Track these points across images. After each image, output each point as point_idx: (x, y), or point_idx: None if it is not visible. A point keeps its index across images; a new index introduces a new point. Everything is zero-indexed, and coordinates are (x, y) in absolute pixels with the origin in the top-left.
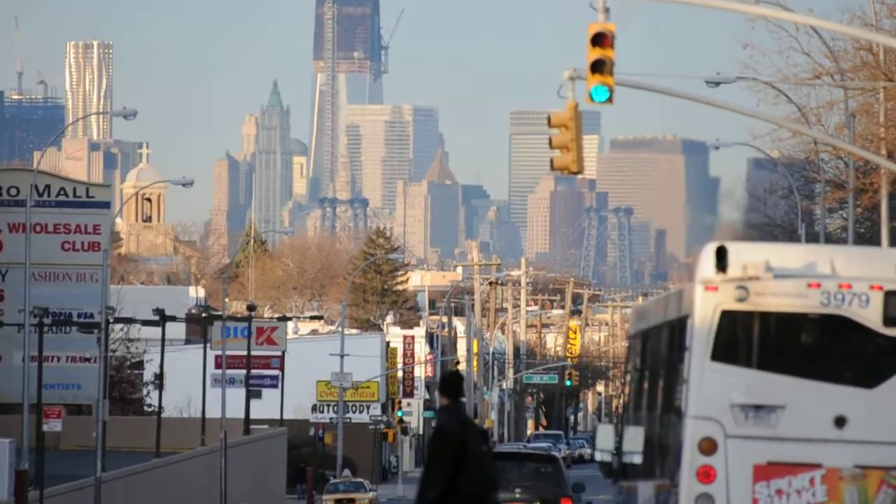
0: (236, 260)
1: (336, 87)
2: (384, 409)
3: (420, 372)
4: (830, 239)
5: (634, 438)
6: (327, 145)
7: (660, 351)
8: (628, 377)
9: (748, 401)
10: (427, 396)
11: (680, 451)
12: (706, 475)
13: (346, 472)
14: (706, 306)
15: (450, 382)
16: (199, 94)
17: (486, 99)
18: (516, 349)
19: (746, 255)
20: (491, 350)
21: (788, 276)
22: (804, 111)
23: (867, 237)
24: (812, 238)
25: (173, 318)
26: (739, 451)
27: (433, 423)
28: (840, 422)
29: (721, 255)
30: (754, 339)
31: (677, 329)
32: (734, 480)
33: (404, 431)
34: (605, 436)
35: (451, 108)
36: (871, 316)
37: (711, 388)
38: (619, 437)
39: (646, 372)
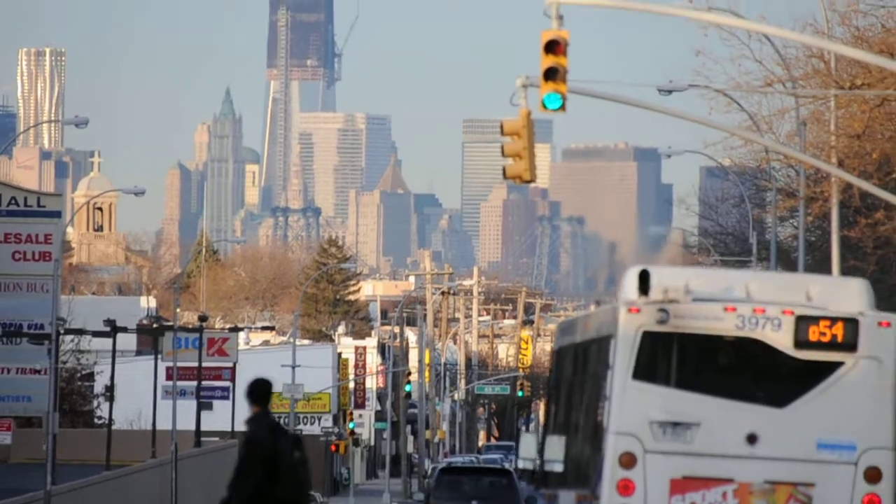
0: (188, 270)
1: (289, 94)
2: (336, 420)
3: (372, 383)
4: (781, 247)
5: (556, 448)
6: (280, 154)
7: (584, 367)
8: (552, 389)
9: (666, 418)
10: (379, 408)
11: (601, 464)
12: (625, 488)
13: None
14: (629, 327)
15: (259, 390)
16: (152, 103)
17: (438, 107)
18: (468, 359)
19: (668, 279)
20: (443, 360)
21: (706, 300)
22: (756, 119)
23: (818, 245)
24: (763, 246)
25: (124, 329)
26: (657, 466)
27: (246, 432)
28: (752, 439)
29: (644, 278)
30: (673, 360)
31: (601, 347)
32: (652, 493)
33: (356, 443)
34: (528, 445)
35: (404, 116)
36: (782, 339)
37: (632, 406)
38: (542, 446)
39: (570, 386)
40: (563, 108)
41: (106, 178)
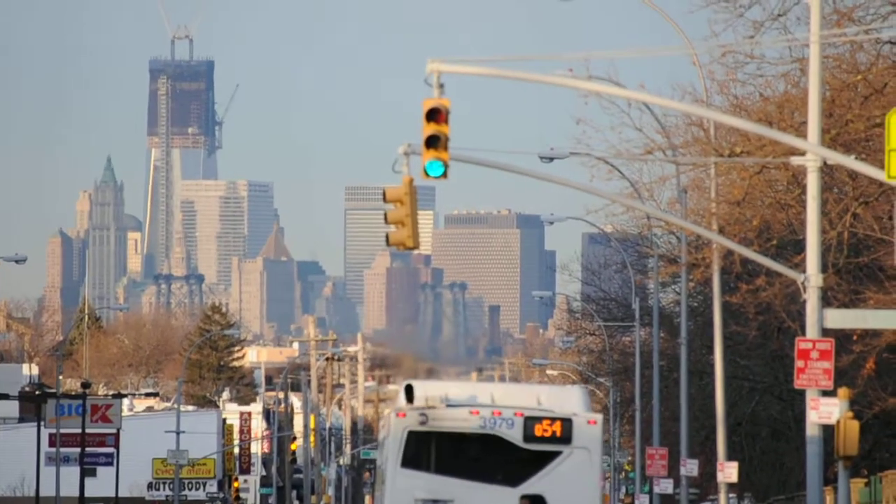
0: (70, 337)
1: (170, 162)
2: (221, 485)
3: (257, 448)
4: (664, 313)
5: None
6: (162, 221)
7: (380, 458)
8: (376, 475)
9: (427, 496)
10: (264, 473)
11: None
12: None
13: None
14: (397, 428)
15: None
16: (32, 170)
17: (320, 174)
18: (354, 424)
19: (429, 390)
20: (328, 426)
21: (457, 406)
22: (637, 186)
23: (700, 311)
24: (646, 311)
25: (6, 396)
26: None
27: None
28: None
29: (409, 390)
30: (432, 451)
31: (385, 443)
32: None
33: None
34: None
35: (286, 183)
36: (515, 434)
37: (401, 487)
38: None
39: (378, 472)
40: (445, 175)
41: None
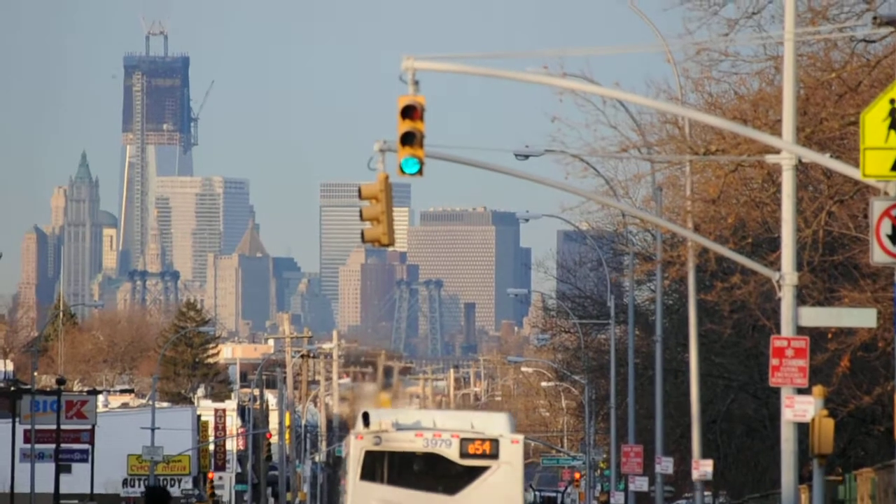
0: (45, 333)
1: (145, 158)
2: (196, 482)
3: (232, 445)
4: (639, 310)
5: None
6: (137, 218)
7: (342, 473)
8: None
9: None
10: (239, 469)
11: None
12: None
13: None
14: (356, 448)
15: None
16: (7, 167)
17: (296, 171)
18: (329, 422)
19: (382, 417)
20: (303, 423)
21: (405, 429)
22: (612, 184)
23: (675, 309)
24: (621, 309)
25: None
26: None
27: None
28: None
29: (365, 417)
30: (385, 467)
31: (347, 460)
32: None
33: None
34: None
35: (262, 180)
36: (452, 452)
37: (360, 497)
38: None
39: (341, 485)
40: (420, 172)
41: None
